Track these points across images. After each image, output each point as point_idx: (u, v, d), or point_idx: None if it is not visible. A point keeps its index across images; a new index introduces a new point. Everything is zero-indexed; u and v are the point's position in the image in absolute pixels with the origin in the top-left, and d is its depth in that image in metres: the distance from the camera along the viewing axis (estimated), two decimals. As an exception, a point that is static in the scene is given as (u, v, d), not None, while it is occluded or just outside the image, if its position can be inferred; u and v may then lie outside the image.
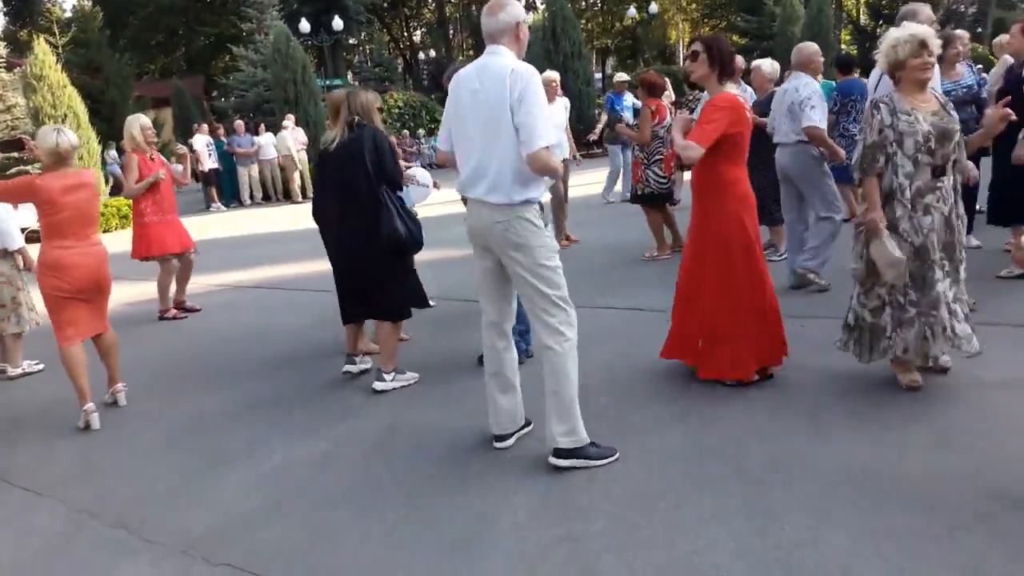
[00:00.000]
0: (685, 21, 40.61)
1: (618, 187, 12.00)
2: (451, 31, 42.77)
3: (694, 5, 39.70)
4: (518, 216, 3.31)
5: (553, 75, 7.79)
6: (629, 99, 12.08)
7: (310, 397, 4.75)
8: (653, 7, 34.75)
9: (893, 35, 3.69)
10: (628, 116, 11.39)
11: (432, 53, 42.32)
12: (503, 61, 3.28)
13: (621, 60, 40.72)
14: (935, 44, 3.63)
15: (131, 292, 8.38)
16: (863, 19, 36.33)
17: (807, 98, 5.66)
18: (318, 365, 5.36)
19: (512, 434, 3.70)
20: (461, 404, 4.32)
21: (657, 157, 7.47)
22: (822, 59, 6.05)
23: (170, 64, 38.99)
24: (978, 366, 3.98)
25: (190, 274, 7.41)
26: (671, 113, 7.66)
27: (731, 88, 4.08)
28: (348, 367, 5.01)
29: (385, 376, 4.69)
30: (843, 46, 31.26)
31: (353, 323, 4.99)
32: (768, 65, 7.20)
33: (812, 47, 6.09)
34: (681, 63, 36.86)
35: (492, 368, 3.65)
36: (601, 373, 4.51)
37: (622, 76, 12.41)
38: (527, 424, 3.78)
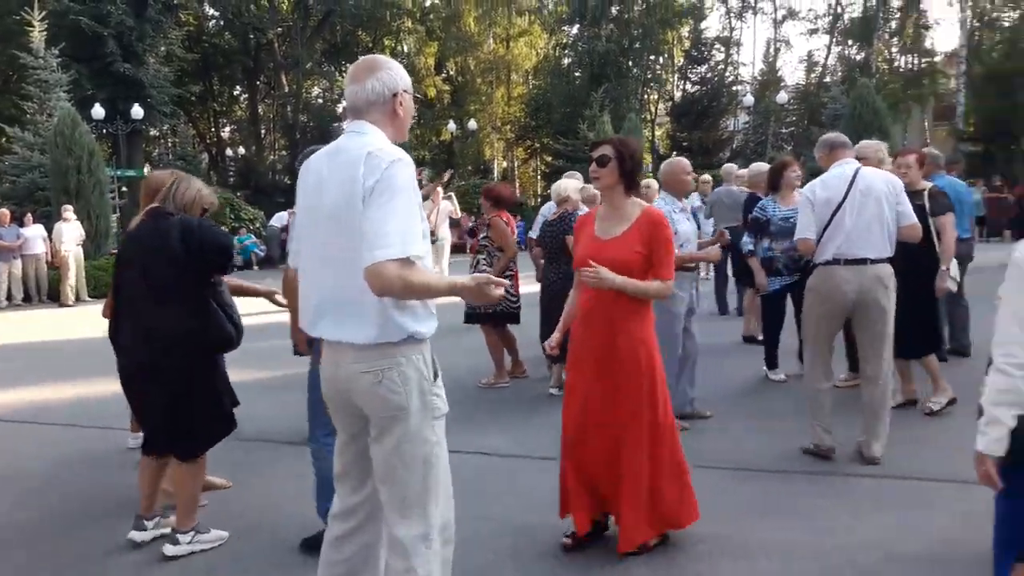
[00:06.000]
0: (500, 140, 41.86)
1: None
2: (263, 130, 41.37)
3: (508, 126, 41.10)
4: (398, 362, 2.28)
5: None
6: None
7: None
8: (472, 124, 35.49)
9: None
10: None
11: (241, 150, 40.56)
12: (365, 141, 2.29)
13: (437, 173, 40.93)
14: None
15: None
16: (662, 149, 39.12)
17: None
18: (86, 529, 3.96)
19: None
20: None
21: (509, 272, 6.72)
22: (690, 176, 5.60)
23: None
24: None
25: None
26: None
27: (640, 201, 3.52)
28: (135, 532, 3.71)
29: (180, 537, 3.53)
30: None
31: (152, 459, 3.72)
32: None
33: (675, 164, 5.60)
34: (495, 177, 37.74)
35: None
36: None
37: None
38: None
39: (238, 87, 42.26)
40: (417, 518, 2.35)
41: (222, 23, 37.91)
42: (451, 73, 42.33)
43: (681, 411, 5.53)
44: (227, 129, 44.43)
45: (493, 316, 6.72)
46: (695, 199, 11.41)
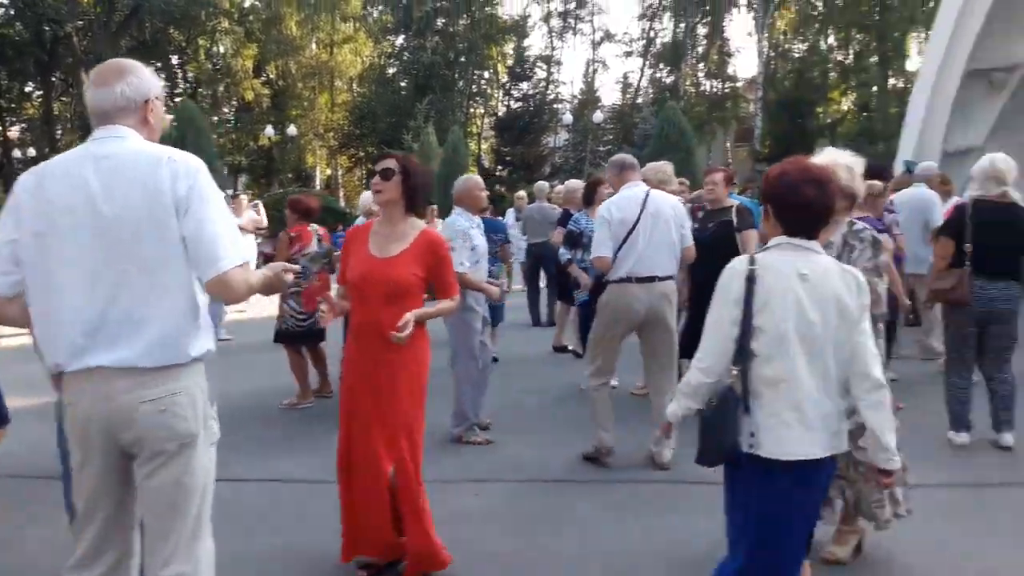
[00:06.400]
0: (323, 148, 40.86)
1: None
2: (59, 130, 37.97)
3: (332, 133, 40.23)
4: (185, 386, 2.15)
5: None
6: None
7: None
8: (291, 129, 34.37)
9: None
10: None
11: (32, 151, 36.96)
12: (137, 146, 2.14)
13: (255, 179, 39.42)
14: None
15: None
16: (487, 163, 39.70)
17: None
18: None
19: None
20: None
21: (294, 289, 6.43)
22: (484, 193, 5.66)
23: None
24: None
25: None
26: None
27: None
28: None
29: None
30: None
31: None
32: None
33: (470, 181, 5.70)
34: (318, 186, 36.79)
35: None
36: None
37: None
38: None
39: (30, 83, 38.58)
40: (187, 552, 2.21)
41: (12, 12, 34.48)
42: (271, 76, 40.81)
43: (479, 422, 5.58)
44: (16, 128, 40.42)
45: (285, 335, 6.50)
46: (511, 215, 11.70)
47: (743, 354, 2.39)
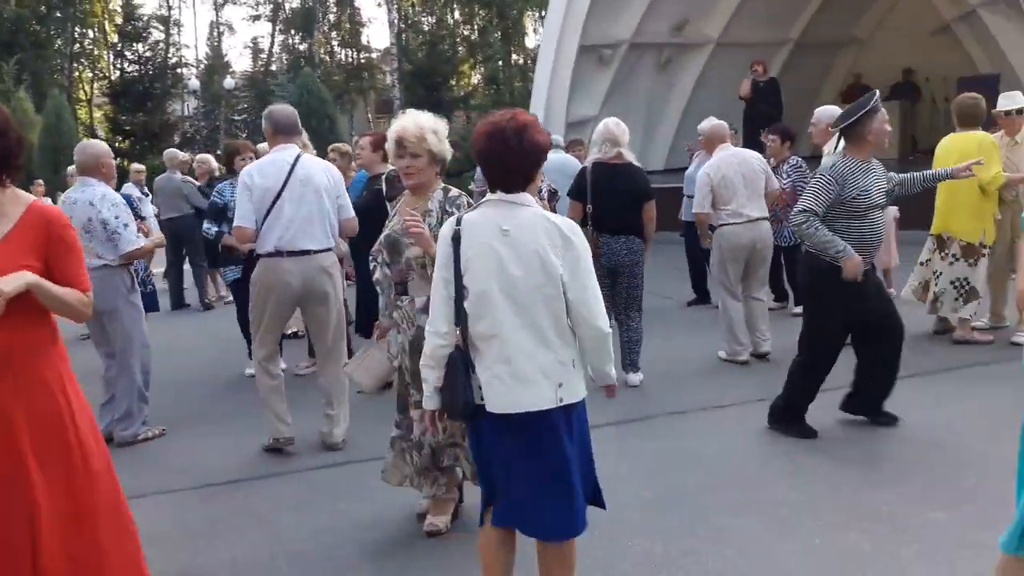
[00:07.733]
0: None
1: None
2: None
3: None
4: None
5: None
6: None
7: None
8: None
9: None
10: None
11: None
12: None
13: None
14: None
15: None
16: (102, 132, 35.26)
17: (115, 218, 4.59)
18: None
19: None
20: None
21: None
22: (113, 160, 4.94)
23: None
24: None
25: None
26: None
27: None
28: None
29: None
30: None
31: None
32: None
33: (100, 146, 4.96)
34: None
35: None
36: None
37: None
38: None
39: None
40: None
41: None
42: None
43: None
44: None
45: None
46: (131, 190, 10.41)
47: (459, 314, 2.43)
